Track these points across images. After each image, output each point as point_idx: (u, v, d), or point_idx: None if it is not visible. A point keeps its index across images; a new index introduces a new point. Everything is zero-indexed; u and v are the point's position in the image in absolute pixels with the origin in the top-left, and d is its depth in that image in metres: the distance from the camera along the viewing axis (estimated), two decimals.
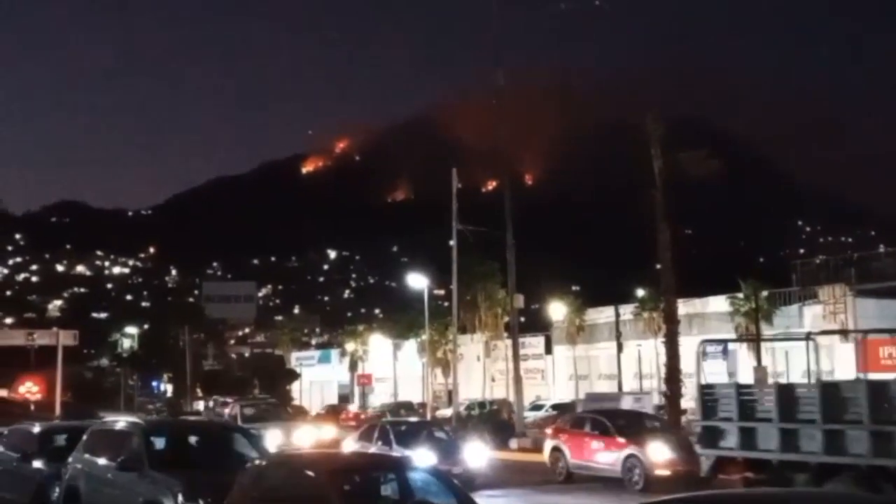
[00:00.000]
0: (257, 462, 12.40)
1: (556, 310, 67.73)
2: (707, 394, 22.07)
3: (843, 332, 45.44)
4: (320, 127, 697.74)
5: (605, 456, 26.35)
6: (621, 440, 26.01)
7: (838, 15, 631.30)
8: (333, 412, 72.02)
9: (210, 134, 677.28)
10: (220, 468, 13.50)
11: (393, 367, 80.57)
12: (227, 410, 49.38)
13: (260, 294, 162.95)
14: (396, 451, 24.75)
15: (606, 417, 28.25)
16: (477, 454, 27.08)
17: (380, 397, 79.53)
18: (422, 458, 23.00)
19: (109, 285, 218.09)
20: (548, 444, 28.82)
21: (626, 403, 53.10)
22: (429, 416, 59.07)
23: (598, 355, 66.08)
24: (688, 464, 23.79)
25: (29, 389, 62.45)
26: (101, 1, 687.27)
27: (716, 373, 58.93)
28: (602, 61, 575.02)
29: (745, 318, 54.14)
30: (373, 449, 26.13)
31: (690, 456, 23.87)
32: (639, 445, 25.35)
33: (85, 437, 16.85)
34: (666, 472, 24.50)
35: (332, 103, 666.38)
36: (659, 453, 25.05)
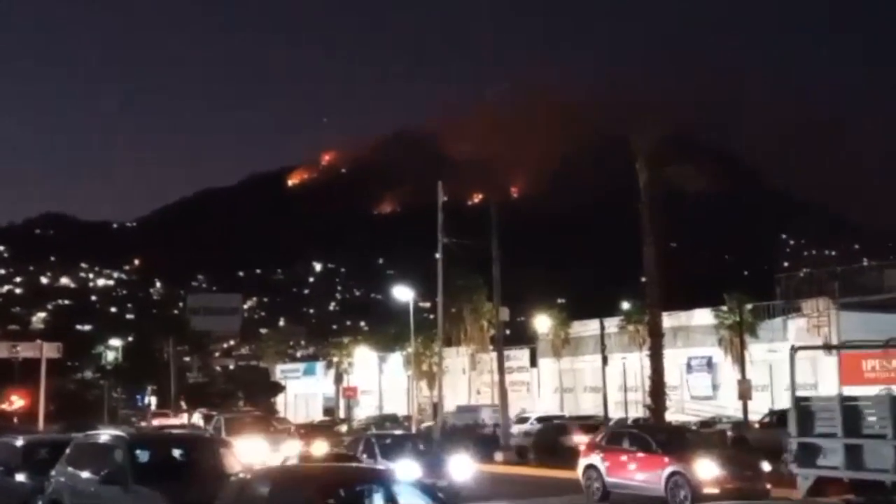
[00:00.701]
0: (241, 475, 12.38)
1: (542, 322, 67.82)
2: (803, 407, 20.84)
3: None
4: (307, 139, 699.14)
5: (647, 474, 24.69)
6: (664, 456, 24.51)
7: (824, 28, 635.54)
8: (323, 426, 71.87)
9: (196, 146, 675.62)
10: (205, 481, 13.48)
11: (378, 380, 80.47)
12: (198, 423, 49.34)
13: (245, 306, 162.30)
14: (381, 464, 24.65)
15: (647, 433, 26.97)
16: (462, 467, 26.90)
17: (365, 410, 79.37)
18: (407, 470, 22.86)
19: (94, 297, 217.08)
20: (581, 462, 27.05)
21: (486, 414, 53.61)
22: (413, 429, 59.06)
23: (583, 368, 66.19)
24: (738, 480, 22.94)
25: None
26: (83, 12, 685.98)
27: (700, 386, 59.41)
28: (588, 76, 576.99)
29: (729, 331, 54.37)
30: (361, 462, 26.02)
31: (742, 472, 23.19)
32: (684, 462, 23.78)
33: (68, 451, 16.79)
34: (714, 490, 22.74)
35: (318, 116, 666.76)
36: (706, 470, 23.38)
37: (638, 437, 26.32)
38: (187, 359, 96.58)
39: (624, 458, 25.62)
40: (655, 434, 26.60)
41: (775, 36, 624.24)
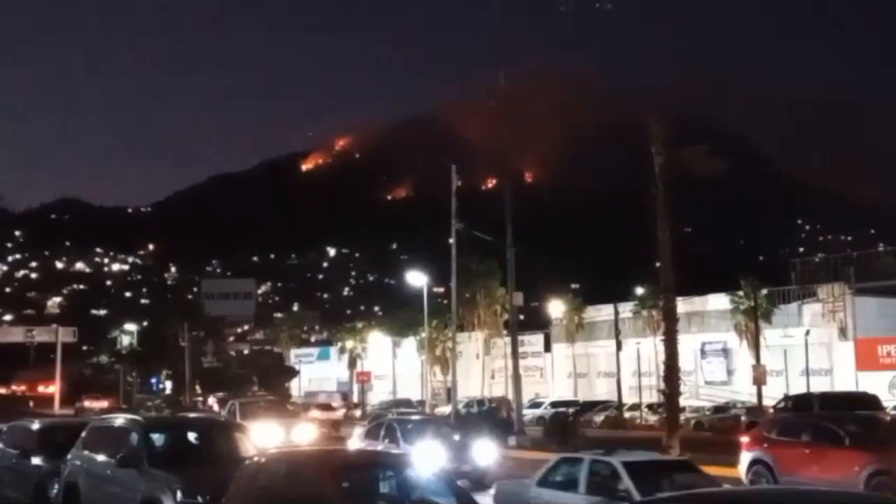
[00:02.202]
0: (256, 459, 12.39)
1: (556, 308, 67.79)
2: None
3: None
4: (321, 125, 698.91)
5: (838, 473, 19.93)
6: (861, 452, 20.29)
7: (839, 11, 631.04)
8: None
9: (210, 131, 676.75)
10: (219, 465, 13.50)
11: (392, 365, 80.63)
12: (216, 406, 49.57)
13: (259, 291, 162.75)
14: (403, 449, 24.08)
15: (834, 422, 22.26)
16: (486, 452, 26.26)
17: (379, 395, 79.55)
18: (430, 456, 22.72)
19: (109, 282, 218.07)
20: (745, 457, 22.71)
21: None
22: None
23: (597, 353, 66.16)
24: None
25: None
26: None
27: (715, 371, 59.33)
28: (603, 60, 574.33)
29: (744, 316, 54.18)
30: (379, 447, 25.33)
31: None
32: (890, 458, 19.69)
33: (84, 434, 16.84)
34: None
35: (332, 101, 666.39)
36: None
37: (824, 429, 21.96)
38: (202, 344, 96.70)
39: (805, 452, 21.46)
40: (845, 424, 22.01)
41: (792, 19, 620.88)
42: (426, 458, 22.66)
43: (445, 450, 24.64)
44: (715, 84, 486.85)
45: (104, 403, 76.67)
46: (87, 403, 74.93)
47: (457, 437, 27.14)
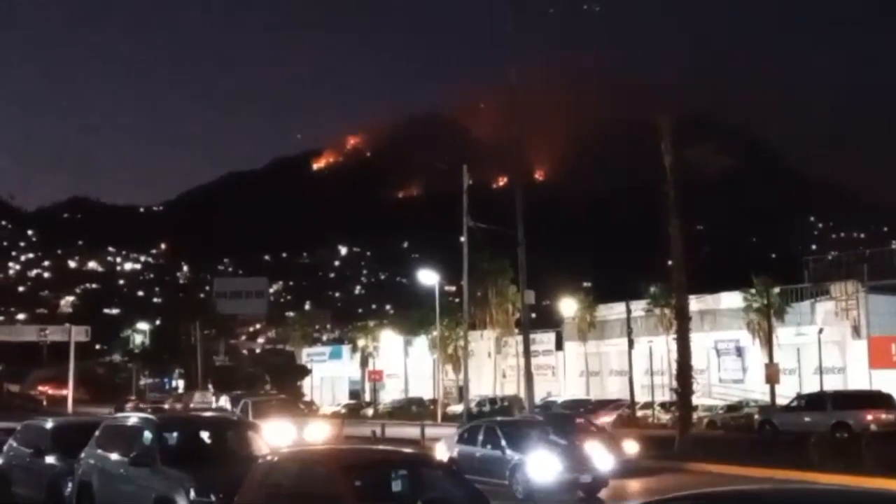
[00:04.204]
0: (269, 457, 12.40)
1: (567, 306, 67.68)
2: None
3: None
4: (332, 123, 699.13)
5: None
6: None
7: (853, 9, 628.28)
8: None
9: (222, 130, 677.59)
10: (232, 463, 13.52)
11: (404, 364, 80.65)
12: (224, 404, 49.61)
13: (271, 290, 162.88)
14: (510, 456, 22.04)
15: None
16: (603, 458, 22.99)
17: (391, 393, 79.62)
18: (542, 463, 21.50)
19: (121, 281, 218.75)
20: None
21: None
22: (440, 414, 59.05)
23: (608, 352, 66.04)
24: None
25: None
26: None
27: (730, 369, 59.16)
28: (613, 59, 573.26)
29: (757, 314, 54.00)
30: (479, 454, 23.18)
31: None
32: None
33: (97, 433, 16.88)
34: None
35: (344, 100, 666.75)
36: None
37: None
38: (214, 342, 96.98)
39: None
40: None
41: (809, 15, 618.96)
42: (540, 468, 21.52)
43: (560, 457, 21.75)
44: (727, 81, 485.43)
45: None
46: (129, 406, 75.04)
47: (569, 443, 23.63)
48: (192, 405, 62.75)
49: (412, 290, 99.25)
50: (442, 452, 24.20)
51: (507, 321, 73.36)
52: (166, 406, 67.34)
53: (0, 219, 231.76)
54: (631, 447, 25.02)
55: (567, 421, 30.35)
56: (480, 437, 23.68)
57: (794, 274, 60.34)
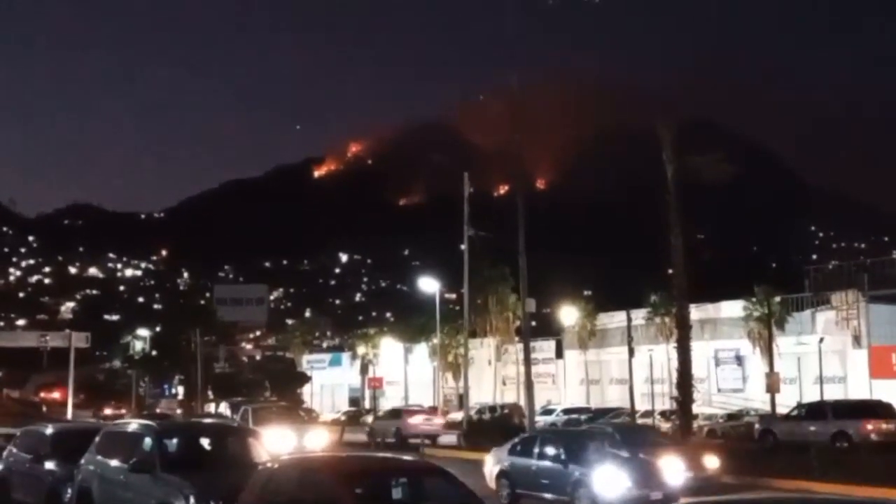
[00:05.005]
0: (269, 465, 12.40)
1: (568, 314, 67.61)
2: None
3: None
4: (333, 131, 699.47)
5: None
6: None
7: (853, 12, 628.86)
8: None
9: (223, 137, 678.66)
10: (232, 470, 13.52)
11: (404, 371, 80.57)
12: (224, 411, 49.57)
13: (271, 297, 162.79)
14: (572, 470, 20.32)
15: None
16: (675, 472, 21.20)
17: (391, 401, 79.49)
18: (608, 478, 19.76)
19: (122, 288, 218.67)
20: None
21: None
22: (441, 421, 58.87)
23: (609, 360, 65.94)
24: None
25: None
26: (117, 1, 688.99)
27: (729, 378, 59.07)
28: (613, 63, 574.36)
29: (757, 323, 53.94)
30: (535, 467, 21.51)
31: None
32: None
33: (97, 439, 16.88)
34: None
35: (345, 107, 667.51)
36: None
37: None
38: (214, 349, 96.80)
39: None
40: None
41: (810, 21, 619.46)
42: (606, 484, 19.59)
43: (628, 472, 20.02)
44: (729, 88, 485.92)
45: (123, 411, 77.59)
46: (107, 412, 75.61)
47: (630, 454, 21.69)
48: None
49: (412, 298, 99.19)
50: (491, 464, 23.20)
51: (507, 329, 73.25)
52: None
53: (1, 225, 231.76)
54: (711, 461, 22.57)
55: (636, 431, 28.76)
56: (537, 449, 21.89)
57: (794, 283, 60.31)
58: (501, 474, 22.64)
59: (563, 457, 20.83)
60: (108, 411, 75.99)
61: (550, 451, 21.40)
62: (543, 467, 21.19)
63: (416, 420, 48.00)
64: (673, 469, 21.05)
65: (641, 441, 23.05)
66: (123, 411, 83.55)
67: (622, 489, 19.66)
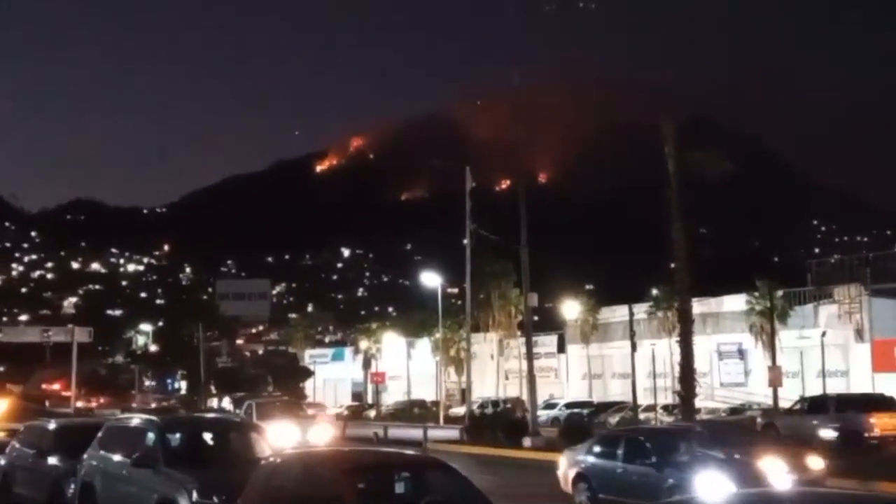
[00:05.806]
0: (272, 459, 12.40)
1: (570, 308, 67.66)
2: None
3: None
4: (335, 125, 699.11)
5: None
6: None
7: (853, 10, 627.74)
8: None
9: (224, 132, 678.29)
10: (235, 465, 13.52)
11: (406, 366, 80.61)
12: (227, 406, 49.71)
13: (274, 292, 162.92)
14: (666, 475, 18.07)
15: None
16: (782, 477, 18.24)
17: (393, 395, 79.56)
18: (707, 484, 17.02)
19: (124, 283, 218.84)
20: None
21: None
22: (442, 416, 58.98)
23: (611, 354, 66.02)
24: None
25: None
26: None
27: (732, 372, 59.12)
28: (615, 61, 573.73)
29: (760, 317, 53.95)
30: (620, 470, 19.44)
31: None
32: None
33: (100, 434, 16.89)
34: None
35: (346, 102, 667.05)
36: None
37: None
38: (216, 344, 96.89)
39: None
40: None
41: (811, 17, 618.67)
42: (704, 490, 16.46)
43: (728, 476, 17.40)
44: (730, 84, 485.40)
45: (94, 405, 78.58)
46: (79, 403, 75.69)
47: (729, 457, 18.91)
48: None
49: (415, 293, 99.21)
50: (565, 466, 21.32)
51: (509, 324, 73.35)
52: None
53: (3, 220, 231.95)
54: (815, 462, 20.10)
55: (726, 428, 26.49)
56: (621, 451, 19.80)
57: (796, 277, 60.31)
58: (579, 477, 20.49)
59: (653, 460, 18.77)
60: (79, 403, 75.96)
61: (637, 452, 19.37)
62: (630, 471, 19.23)
63: None
64: (776, 471, 18.48)
65: (734, 440, 20.90)
66: (94, 404, 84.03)
67: (722, 492, 16.88)
